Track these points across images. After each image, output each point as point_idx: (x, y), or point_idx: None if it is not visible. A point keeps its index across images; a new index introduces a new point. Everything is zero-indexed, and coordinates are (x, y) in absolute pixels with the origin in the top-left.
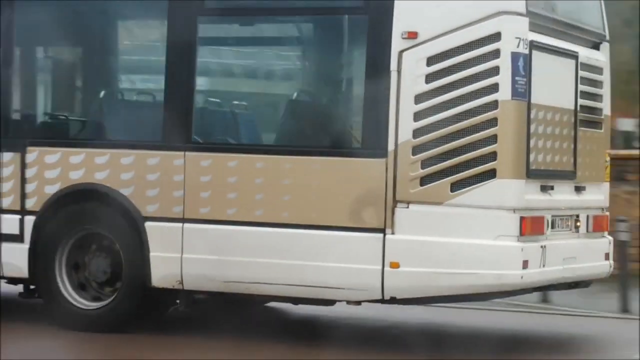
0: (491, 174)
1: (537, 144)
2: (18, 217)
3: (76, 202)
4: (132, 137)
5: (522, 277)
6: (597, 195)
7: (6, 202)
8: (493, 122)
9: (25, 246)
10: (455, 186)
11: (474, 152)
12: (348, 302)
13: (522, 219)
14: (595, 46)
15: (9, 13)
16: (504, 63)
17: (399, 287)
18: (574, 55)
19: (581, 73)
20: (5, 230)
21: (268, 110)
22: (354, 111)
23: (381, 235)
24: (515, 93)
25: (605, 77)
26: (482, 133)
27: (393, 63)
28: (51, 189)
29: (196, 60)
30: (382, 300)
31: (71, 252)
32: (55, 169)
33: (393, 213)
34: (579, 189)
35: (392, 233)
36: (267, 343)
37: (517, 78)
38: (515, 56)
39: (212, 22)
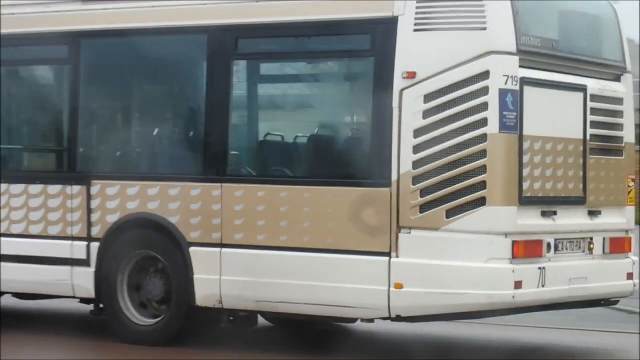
0: (481, 202)
1: (532, 173)
2: (85, 243)
3: (133, 229)
4: (178, 170)
5: (513, 297)
6: (617, 218)
7: (75, 230)
8: (483, 153)
9: (91, 269)
10: (450, 213)
11: (466, 182)
12: (362, 320)
13: (514, 242)
14: (616, 78)
15: (75, 53)
16: (492, 99)
17: (403, 306)
18: (581, 89)
19: (592, 104)
20: (75, 256)
21: (289, 145)
22: (361, 144)
23: (387, 258)
24: (503, 126)
25: (627, 107)
26: (473, 164)
27: (395, 100)
28: (112, 218)
29: (230, 102)
30: (389, 318)
31: (132, 274)
32: (115, 199)
33: (397, 238)
34: (592, 213)
35: (397, 256)
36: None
37: (504, 112)
38: (502, 92)
39: (244, 65)
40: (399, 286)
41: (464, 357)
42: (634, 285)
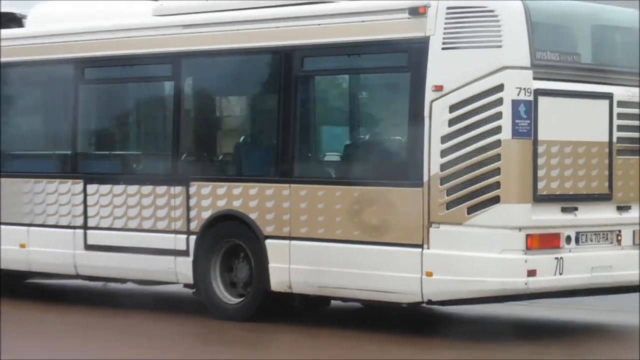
0: (497, 200)
1: (549, 173)
2: (185, 236)
3: (222, 223)
4: (256, 173)
5: (526, 284)
6: None
7: (177, 225)
8: (498, 157)
9: (190, 259)
10: (471, 210)
11: (484, 182)
12: (401, 304)
13: (527, 236)
14: None
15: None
16: (506, 109)
17: (433, 291)
18: (607, 96)
19: (620, 110)
20: (177, 247)
21: (341, 151)
22: (399, 150)
23: (420, 250)
24: (515, 133)
25: None
26: (489, 166)
27: (426, 110)
28: (205, 214)
29: (296, 115)
30: (422, 302)
31: (223, 259)
32: (208, 198)
33: (428, 232)
34: (621, 208)
35: (428, 248)
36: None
37: (517, 121)
38: (515, 103)
39: (308, 80)
40: (429, 274)
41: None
42: None
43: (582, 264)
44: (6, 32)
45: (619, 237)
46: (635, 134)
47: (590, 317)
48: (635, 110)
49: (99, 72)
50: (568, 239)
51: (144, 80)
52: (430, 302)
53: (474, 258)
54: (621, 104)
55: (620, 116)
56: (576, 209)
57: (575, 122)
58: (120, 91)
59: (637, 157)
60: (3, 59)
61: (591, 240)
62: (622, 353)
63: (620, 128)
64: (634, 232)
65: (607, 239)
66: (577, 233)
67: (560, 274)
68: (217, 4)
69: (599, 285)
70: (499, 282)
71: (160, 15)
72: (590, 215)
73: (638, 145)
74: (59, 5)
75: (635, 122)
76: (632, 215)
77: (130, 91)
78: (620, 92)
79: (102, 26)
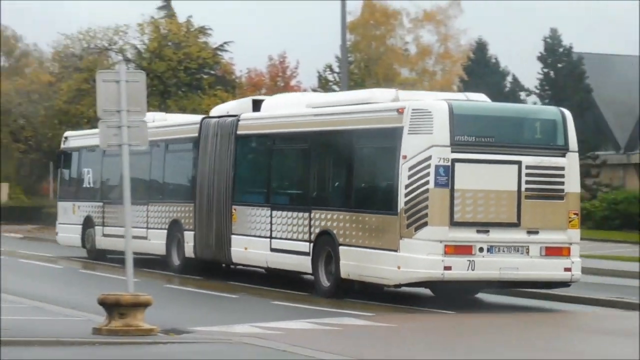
0: (426, 224)
1: (464, 208)
2: (308, 243)
3: (323, 236)
4: (336, 204)
5: (442, 275)
6: (557, 236)
7: (304, 236)
8: (427, 198)
9: (309, 257)
10: (415, 229)
11: (420, 213)
12: (388, 286)
13: (445, 245)
14: (562, 155)
15: (308, 144)
16: (432, 170)
17: (401, 278)
18: (516, 162)
19: (528, 171)
20: (301, 250)
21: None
22: (386, 193)
23: (396, 253)
24: (437, 184)
25: (569, 171)
26: (423, 204)
27: (399, 170)
28: (316, 230)
29: (330, 170)
30: (396, 286)
31: (326, 259)
32: (319, 220)
33: (399, 243)
34: (531, 232)
35: (400, 252)
36: None
37: (437, 177)
38: (437, 167)
39: (330, 152)
40: (399, 267)
41: None
42: (572, 276)
43: (492, 266)
44: (245, 114)
45: (528, 250)
46: (539, 186)
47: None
48: (540, 171)
49: (282, 142)
50: (481, 249)
51: (290, 150)
52: (399, 285)
53: (416, 258)
54: (529, 167)
55: (528, 175)
56: (488, 230)
57: (489, 177)
58: (276, 156)
59: (542, 200)
60: (244, 132)
61: (503, 251)
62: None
63: (528, 182)
64: (540, 247)
65: (517, 250)
66: (490, 246)
67: (472, 270)
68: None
69: (506, 280)
70: (428, 272)
71: (311, 107)
72: (502, 235)
73: (541, 193)
74: (274, 99)
75: (540, 178)
76: (540, 237)
77: (281, 156)
78: (528, 159)
79: (289, 114)
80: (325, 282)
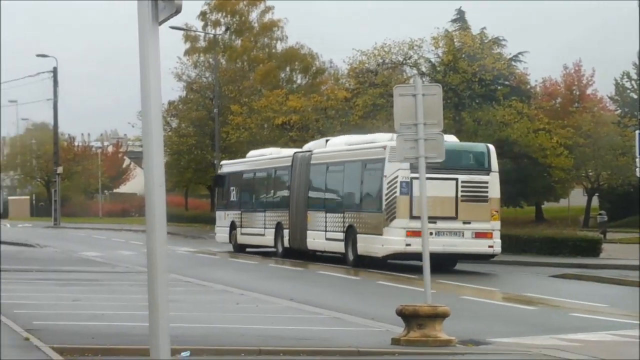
0: (395, 217)
1: (420, 206)
2: (342, 233)
3: (349, 229)
4: (358, 209)
5: (405, 249)
6: (483, 225)
7: (340, 229)
8: (395, 200)
9: (343, 242)
10: (388, 221)
11: (392, 210)
12: (380, 258)
13: (407, 231)
14: (486, 173)
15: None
16: (399, 184)
17: (384, 253)
18: (454, 179)
19: (462, 184)
20: (339, 238)
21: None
22: (375, 199)
23: (381, 236)
24: (401, 193)
25: (491, 184)
26: (394, 205)
27: (383, 183)
28: (346, 225)
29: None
30: (383, 258)
31: (352, 243)
32: (347, 218)
33: (383, 229)
34: (466, 222)
35: (383, 236)
36: None
37: (402, 189)
38: (402, 182)
39: (328, 170)
40: (382, 245)
41: None
42: (493, 251)
43: (438, 243)
44: (316, 150)
45: (463, 234)
46: (470, 193)
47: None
48: (471, 184)
49: (331, 167)
50: (431, 233)
51: (336, 172)
52: (385, 257)
53: (390, 239)
54: (463, 181)
55: (463, 186)
56: (435, 222)
57: (439, 189)
58: (325, 178)
59: (472, 202)
60: (314, 162)
61: (445, 234)
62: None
63: (464, 191)
64: (472, 232)
65: (456, 234)
66: (437, 231)
67: None
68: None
69: (449, 253)
70: (396, 247)
71: (346, 144)
72: (445, 225)
73: (472, 197)
74: (336, 139)
75: (471, 189)
76: (472, 226)
77: (336, 177)
78: (463, 177)
79: (334, 150)
80: (350, 257)
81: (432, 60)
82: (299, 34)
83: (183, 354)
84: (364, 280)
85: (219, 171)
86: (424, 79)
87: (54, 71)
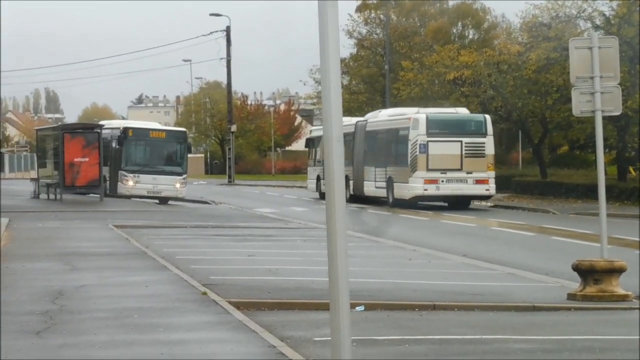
0: (416, 169)
1: (435, 161)
2: (385, 182)
3: (389, 179)
4: (393, 164)
5: (423, 193)
6: (480, 175)
7: (383, 179)
8: (417, 157)
9: (385, 189)
10: (412, 172)
11: (414, 164)
12: (406, 199)
13: (424, 180)
14: (483, 136)
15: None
16: (419, 145)
17: (411, 195)
18: (459, 141)
19: (466, 145)
20: (383, 186)
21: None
22: (407, 156)
23: (407, 184)
24: (420, 151)
25: (487, 144)
26: (415, 161)
27: (408, 146)
28: (387, 176)
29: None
30: (408, 201)
31: (391, 189)
32: (388, 172)
33: (408, 179)
34: (468, 172)
35: (408, 183)
36: None
37: (421, 149)
38: (420, 144)
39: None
40: (408, 190)
41: None
42: (489, 193)
43: (448, 188)
44: (371, 119)
45: (466, 181)
46: (471, 151)
47: None
48: (474, 145)
49: (377, 133)
50: (442, 180)
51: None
52: (411, 199)
53: (412, 186)
54: (466, 143)
55: (466, 147)
56: (446, 172)
57: (448, 149)
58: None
59: (473, 158)
60: (368, 128)
61: (453, 182)
62: None
63: (466, 149)
64: (473, 179)
65: (461, 181)
66: (447, 179)
67: (438, 191)
68: None
69: (455, 195)
70: (417, 192)
71: (386, 115)
72: (453, 175)
73: (473, 154)
74: (386, 110)
75: (472, 148)
76: (472, 175)
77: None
78: (466, 139)
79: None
80: (390, 200)
81: (606, 13)
82: None
83: (357, 308)
84: (538, 236)
85: (309, 135)
86: (598, 32)
87: (227, 30)
